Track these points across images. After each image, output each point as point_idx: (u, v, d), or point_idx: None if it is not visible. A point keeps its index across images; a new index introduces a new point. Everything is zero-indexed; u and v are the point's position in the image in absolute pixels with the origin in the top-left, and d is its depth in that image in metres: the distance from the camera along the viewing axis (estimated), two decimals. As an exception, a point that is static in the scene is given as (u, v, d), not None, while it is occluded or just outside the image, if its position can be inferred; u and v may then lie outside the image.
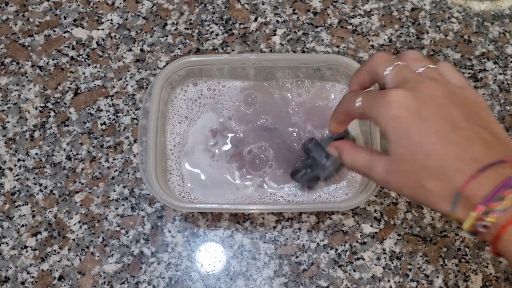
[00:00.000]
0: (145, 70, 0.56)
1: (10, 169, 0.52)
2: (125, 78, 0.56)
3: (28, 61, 0.57)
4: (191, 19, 0.59)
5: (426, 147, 0.31)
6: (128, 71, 0.56)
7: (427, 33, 0.58)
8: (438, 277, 0.48)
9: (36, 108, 0.55)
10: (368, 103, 0.34)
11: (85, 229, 0.50)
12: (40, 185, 0.51)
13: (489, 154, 0.30)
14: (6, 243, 0.49)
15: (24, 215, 0.50)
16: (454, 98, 0.32)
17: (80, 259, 0.49)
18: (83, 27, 0.58)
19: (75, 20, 0.59)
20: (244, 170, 0.49)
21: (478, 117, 0.32)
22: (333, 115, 0.38)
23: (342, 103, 0.37)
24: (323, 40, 0.58)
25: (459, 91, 0.33)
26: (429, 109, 0.31)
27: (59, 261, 0.49)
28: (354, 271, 0.48)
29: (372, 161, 0.35)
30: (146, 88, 0.55)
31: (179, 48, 0.57)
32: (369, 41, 0.58)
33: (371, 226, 0.50)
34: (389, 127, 0.32)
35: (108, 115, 0.54)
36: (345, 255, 0.49)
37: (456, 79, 0.34)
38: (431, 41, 0.58)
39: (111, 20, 0.59)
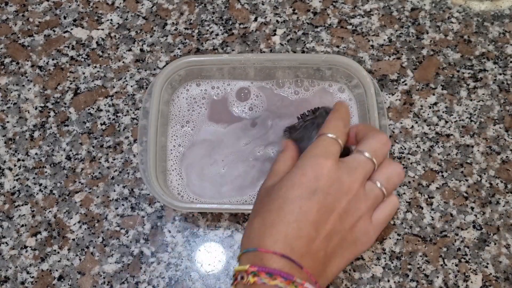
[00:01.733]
0: (145, 70, 0.56)
1: (10, 169, 0.52)
2: (125, 78, 0.56)
3: (28, 61, 0.57)
4: (191, 19, 0.59)
5: (294, 200, 0.34)
6: (128, 71, 0.56)
7: (427, 33, 0.58)
8: (438, 277, 0.48)
9: (36, 108, 0.55)
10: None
11: (85, 229, 0.50)
12: (40, 185, 0.51)
13: (304, 256, 0.32)
14: (6, 243, 0.49)
15: (24, 215, 0.50)
16: (341, 211, 0.34)
17: (80, 259, 0.49)
18: (83, 27, 0.58)
19: (75, 20, 0.59)
20: (243, 170, 0.49)
21: (339, 237, 0.34)
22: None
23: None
24: (323, 40, 0.58)
25: (358, 213, 0.35)
26: (322, 187, 0.34)
27: (59, 261, 0.49)
28: (354, 271, 0.48)
29: (278, 171, 0.38)
30: (146, 88, 0.55)
31: (179, 48, 0.57)
32: (369, 41, 0.58)
33: (371, 226, 0.50)
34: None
35: (108, 115, 0.54)
36: (345, 255, 0.49)
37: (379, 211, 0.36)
38: (431, 41, 0.58)
39: (111, 20, 0.59)
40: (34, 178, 0.52)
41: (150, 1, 0.60)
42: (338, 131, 0.36)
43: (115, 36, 0.58)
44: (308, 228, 0.33)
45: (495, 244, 0.49)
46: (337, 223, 0.34)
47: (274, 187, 0.35)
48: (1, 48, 0.57)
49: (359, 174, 0.35)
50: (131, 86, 0.55)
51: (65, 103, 0.55)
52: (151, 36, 0.58)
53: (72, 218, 0.50)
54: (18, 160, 0.52)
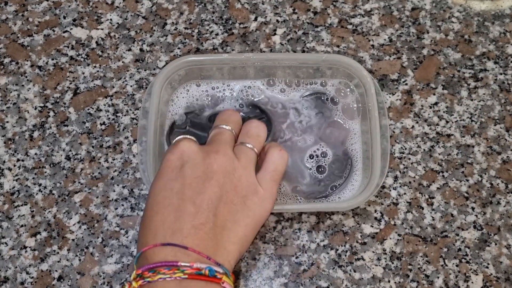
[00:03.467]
0: (145, 70, 0.56)
1: (9, 169, 0.52)
2: (125, 78, 0.56)
3: (27, 61, 0.57)
4: (190, 19, 0.59)
5: (160, 195, 0.33)
6: (128, 71, 0.56)
7: (428, 32, 0.58)
8: (438, 277, 0.48)
9: (35, 108, 0.54)
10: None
11: (85, 229, 0.50)
12: (40, 185, 0.51)
13: (187, 237, 0.31)
14: (5, 243, 0.49)
15: (24, 215, 0.50)
16: (216, 177, 0.34)
17: (80, 260, 0.49)
18: (82, 27, 0.58)
19: (74, 20, 0.59)
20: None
21: (234, 201, 0.34)
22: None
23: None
24: (323, 39, 0.57)
25: (236, 173, 0.35)
26: (187, 161, 0.34)
27: (58, 261, 0.49)
28: (354, 271, 0.48)
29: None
30: (146, 88, 0.55)
31: (178, 48, 0.57)
32: (369, 40, 0.57)
33: (371, 226, 0.50)
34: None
35: (108, 115, 0.54)
36: (345, 255, 0.49)
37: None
38: (431, 40, 0.58)
39: (111, 19, 0.59)
40: (33, 178, 0.52)
41: (150, 0, 0.59)
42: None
43: (114, 35, 0.58)
44: (184, 206, 0.31)
45: (495, 244, 0.49)
46: (215, 189, 0.32)
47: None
48: (1, 48, 0.57)
49: (220, 140, 0.35)
50: (131, 86, 0.55)
51: (65, 103, 0.55)
52: (150, 36, 0.58)
53: (71, 218, 0.50)
54: (18, 160, 0.52)
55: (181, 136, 0.37)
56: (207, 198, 0.32)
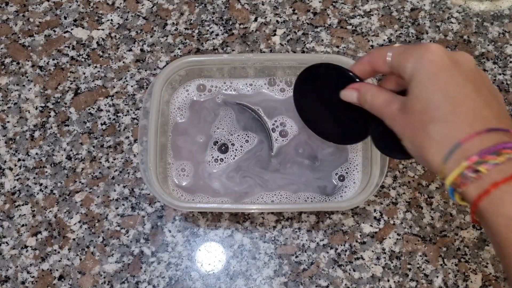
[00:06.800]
0: (145, 70, 0.56)
1: (11, 169, 0.52)
2: (125, 78, 0.56)
3: (28, 61, 0.57)
4: (191, 19, 0.59)
5: (448, 91, 0.31)
6: (128, 71, 0.56)
7: (427, 33, 0.58)
8: (437, 276, 0.48)
9: (36, 108, 0.55)
10: (402, 53, 0.34)
11: (85, 228, 0.50)
12: (40, 185, 0.52)
13: (499, 121, 0.31)
14: (6, 242, 0.50)
15: (24, 214, 0.50)
16: (481, 73, 0.34)
17: (80, 259, 0.49)
18: (83, 27, 0.58)
19: (75, 20, 0.59)
20: (243, 170, 0.49)
21: (493, 92, 0.33)
22: (357, 62, 0.38)
23: (371, 53, 0.37)
24: (323, 40, 0.58)
25: (487, 76, 0.35)
26: (461, 67, 0.32)
27: (59, 261, 0.49)
28: (354, 270, 0.49)
29: (391, 98, 0.35)
30: (146, 88, 0.55)
31: (179, 48, 0.57)
32: (368, 41, 0.58)
33: (371, 225, 0.50)
34: (420, 69, 0.32)
35: (108, 115, 0.54)
36: (345, 254, 0.49)
37: None
38: (430, 41, 0.58)
39: (111, 20, 0.59)
40: (34, 178, 0.52)
41: (151, 1, 0.60)
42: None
43: (115, 36, 0.58)
44: (482, 94, 0.32)
45: (494, 243, 0.49)
46: (482, 82, 0.33)
47: (412, 102, 0.33)
48: (2, 48, 0.57)
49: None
50: (132, 86, 0.56)
51: (66, 103, 0.55)
52: (151, 36, 0.58)
53: (72, 218, 0.50)
54: (19, 160, 0.53)
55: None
56: (486, 87, 0.33)
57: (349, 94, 0.38)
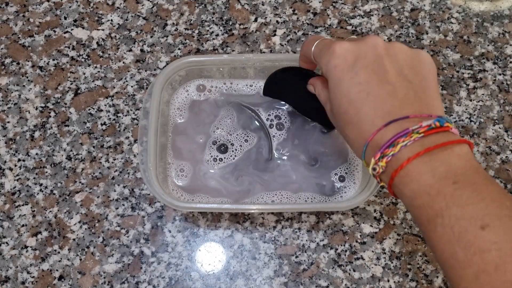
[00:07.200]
0: (145, 71, 0.56)
1: (11, 169, 0.52)
2: (125, 79, 0.56)
3: (28, 61, 0.57)
4: (191, 20, 0.59)
5: (350, 95, 0.34)
6: (128, 71, 0.56)
7: (427, 33, 0.58)
8: (437, 277, 0.48)
9: (36, 108, 0.55)
10: (318, 51, 0.38)
11: (85, 229, 0.50)
12: (41, 185, 0.52)
13: (402, 110, 0.33)
14: (7, 243, 0.50)
15: (25, 215, 0.51)
16: (393, 51, 0.35)
17: (81, 259, 0.49)
18: (83, 28, 0.58)
19: (75, 21, 0.59)
20: (243, 170, 0.49)
21: (415, 72, 0.35)
22: (299, 54, 0.43)
23: (304, 45, 0.41)
24: (323, 40, 0.58)
25: (406, 48, 0.36)
26: (363, 60, 0.35)
27: (59, 261, 0.49)
28: (354, 271, 0.49)
29: (326, 100, 0.39)
30: (146, 88, 0.55)
31: (179, 49, 0.57)
32: (368, 41, 0.58)
33: (371, 226, 0.50)
34: (328, 75, 0.36)
35: (108, 115, 0.54)
36: (345, 255, 0.49)
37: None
38: (430, 41, 0.58)
39: (111, 20, 0.59)
40: (34, 178, 0.52)
41: (151, 1, 0.60)
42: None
43: (115, 36, 0.58)
44: (381, 88, 0.33)
45: (494, 244, 0.49)
46: (392, 63, 0.35)
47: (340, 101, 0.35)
48: (2, 49, 0.58)
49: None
50: (132, 87, 0.56)
51: (66, 103, 0.55)
52: (151, 37, 0.58)
53: (72, 218, 0.50)
54: (19, 160, 0.53)
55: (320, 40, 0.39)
56: (394, 72, 0.34)
57: (310, 88, 0.43)
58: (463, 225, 0.29)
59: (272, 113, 0.51)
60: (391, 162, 0.32)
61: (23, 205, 0.51)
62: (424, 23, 0.59)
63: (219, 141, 0.50)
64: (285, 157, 0.49)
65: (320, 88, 0.41)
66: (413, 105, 0.33)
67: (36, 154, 0.53)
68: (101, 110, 0.55)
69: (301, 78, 0.45)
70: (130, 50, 0.57)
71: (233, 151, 0.50)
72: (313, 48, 0.39)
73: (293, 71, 0.47)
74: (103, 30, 0.58)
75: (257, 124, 0.50)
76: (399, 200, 0.51)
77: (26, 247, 0.49)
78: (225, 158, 0.50)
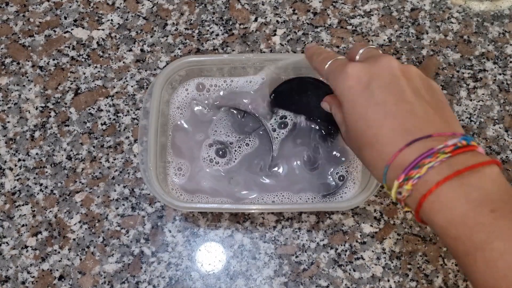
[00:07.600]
0: (146, 70, 0.56)
1: (11, 169, 0.52)
2: (126, 78, 0.56)
3: (28, 61, 0.57)
4: (191, 19, 0.59)
5: (367, 116, 0.33)
6: (129, 71, 0.56)
7: (427, 33, 0.58)
8: (437, 276, 0.48)
9: (36, 108, 0.55)
10: (331, 71, 0.37)
11: (86, 229, 0.50)
12: (41, 185, 0.52)
13: (423, 128, 0.31)
14: (7, 243, 0.50)
15: (25, 215, 0.51)
16: (409, 74, 0.34)
17: (81, 259, 0.49)
18: (83, 27, 0.58)
19: (75, 20, 0.59)
20: (243, 170, 0.49)
21: (431, 94, 0.34)
22: (312, 62, 0.41)
23: (318, 57, 0.40)
24: (323, 40, 0.58)
25: (420, 72, 0.35)
26: (379, 81, 0.33)
27: (59, 261, 0.49)
28: (354, 270, 0.49)
29: (341, 121, 0.37)
30: (147, 88, 0.55)
31: (179, 48, 0.57)
32: (369, 41, 0.58)
33: (371, 226, 0.50)
34: (343, 97, 0.35)
35: (109, 115, 0.54)
36: (345, 254, 0.49)
37: None
38: (430, 41, 0.58)
39: (112, 20, 0.59)
40: (34, 178, 0.52)
41: (151, 1, 0.60)
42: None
43: (115, 36, 0.58)
44: (399, 107, 0.32)
45: (495, 243, 0.49)
46: (407, 83, 0.33)
47: (354, 127, 0.34)
48: (2, 48, 0.58)
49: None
50: (132, 86, 0.56)
51: (66, 103, 0.55)
52: (151, 36, 0.58)
53: (72, 218, 0.50)
54: (19, 160, 0.53)
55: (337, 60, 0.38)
56: (410, 91, 0.33)
57: (324, 106, 0.41)
58: (509, 260, 0.27)
59: (278, 113, 0.51)
60: (417, 185, 0.30)
61: (23, 205, 0.51)
62: (424, 23, 0.59)
63: (219, 141, 0.50)
64: (285, 157, 0.49)
65: (337, 109, 0.39)
66: (434, 123, 0.32)
67: (36, 154, 0.53)
68: (101, 110, 0.55)
69: (311, 88, 0.45)
70: (130, 50, 0.57)
71: (232, 151, 0.50)
72: (326, 67, 0.38)
73: (300, 81, 0.48)
74: (103, 30, 0.58)
75: (256, 122, 0.50)
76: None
77: (26, 247, 0.49)
78: (225, 158, 0.50)
